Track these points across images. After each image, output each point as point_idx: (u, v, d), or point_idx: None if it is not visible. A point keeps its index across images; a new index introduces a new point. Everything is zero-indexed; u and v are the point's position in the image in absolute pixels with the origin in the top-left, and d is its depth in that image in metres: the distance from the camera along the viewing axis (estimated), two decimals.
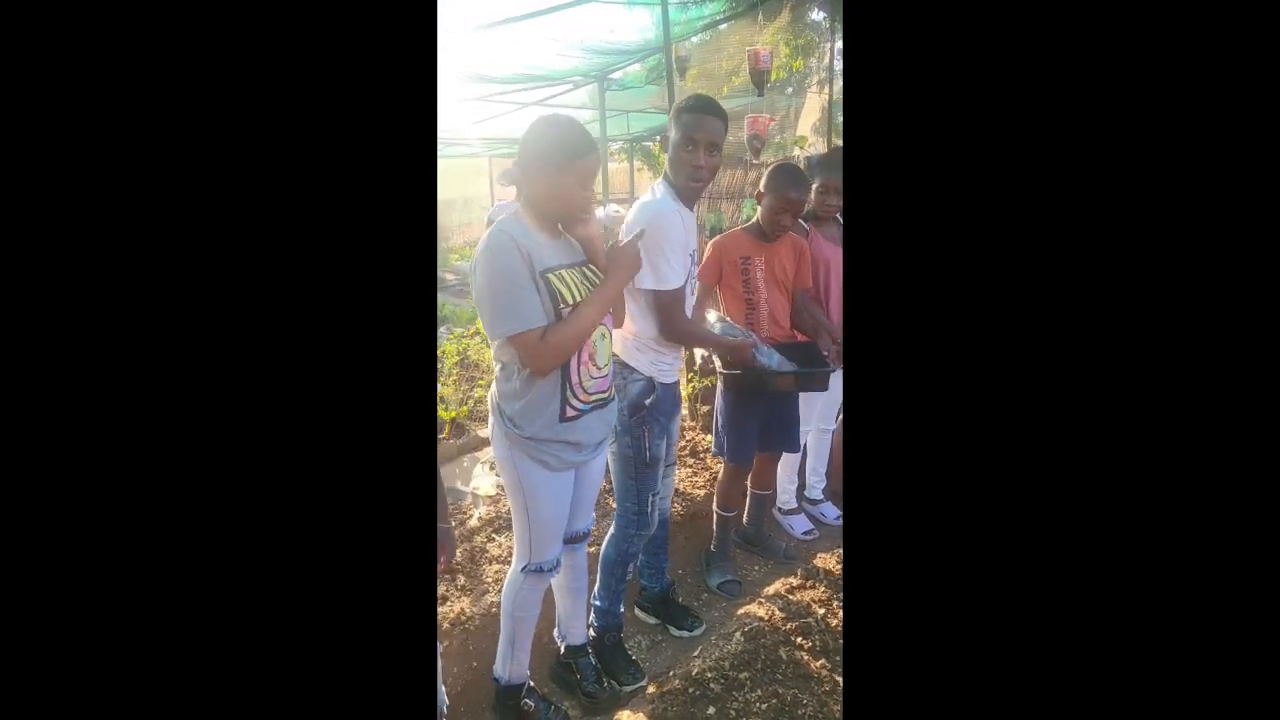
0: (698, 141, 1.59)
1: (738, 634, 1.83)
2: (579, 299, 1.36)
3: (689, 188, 1.63)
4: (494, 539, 2.27)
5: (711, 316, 1.98)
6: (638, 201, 1.72)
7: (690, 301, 1.76)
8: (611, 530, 1.84)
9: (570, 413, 1.42)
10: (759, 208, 2.08)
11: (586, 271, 1.43)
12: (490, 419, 1.49)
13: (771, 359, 1.91)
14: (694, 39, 4.80)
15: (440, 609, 1.91)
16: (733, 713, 1.56)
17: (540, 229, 1.37)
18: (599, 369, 1.46)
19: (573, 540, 1.64)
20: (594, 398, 1.46)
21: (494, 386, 1.47)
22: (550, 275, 1.33)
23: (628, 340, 1.70)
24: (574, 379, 1.40)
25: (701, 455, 2.91)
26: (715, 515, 2.27)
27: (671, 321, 1.67)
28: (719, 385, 2.16)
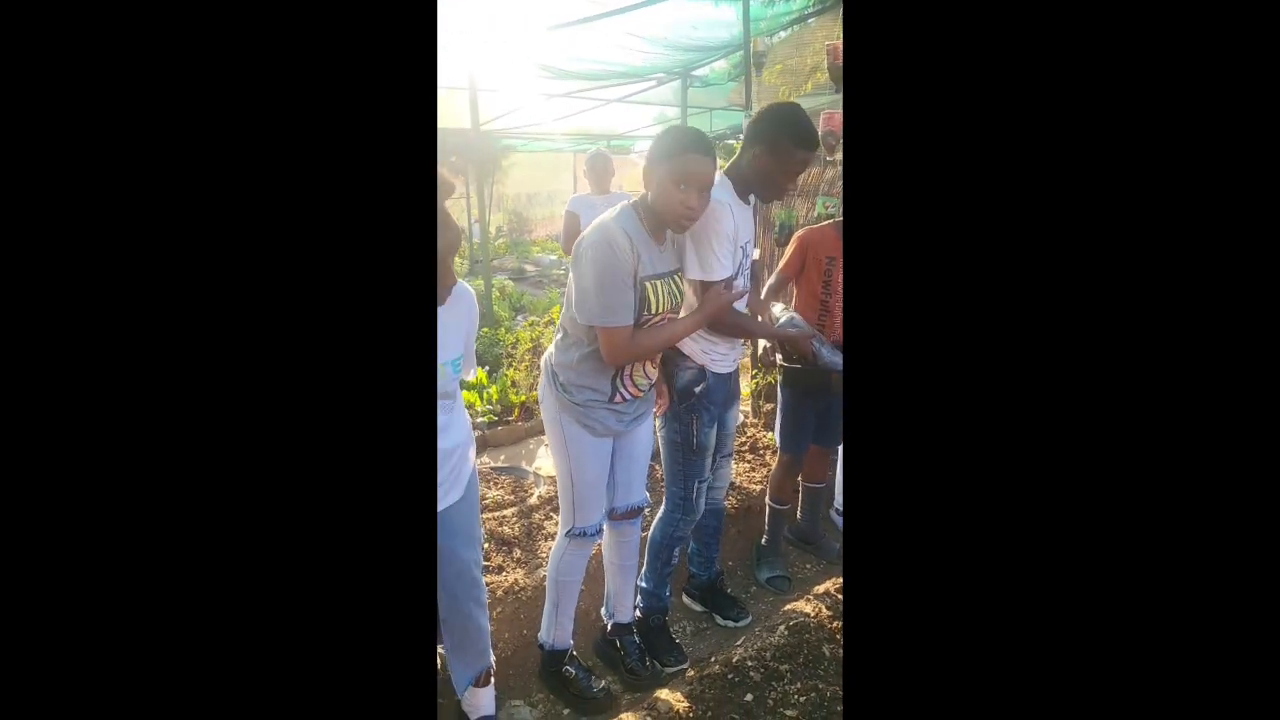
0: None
1: (782, 627, 1.84)
2: (663, 309, 1.50)
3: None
4: (551, 517, 2.36)
5: (777, 309, 1.96)
6: None
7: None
8: (660, 514, 1.89)
9: (618, 399, 1.55)
10: (827, 201, 2.06)
11: (673, 282, 1.53)
12: (541, 379, 1.58)
13: (835, 357, 1.90)
14: (778, 35, 4.75)
15: (495, 578, 2.01)
16: (770, 702, 1.58)
17: (651, 232, 1.47)
18: (654, 368, 1.61)
19: (627, 515, 1.70)
20: (644, 393, 1.61)
21: (552, 349, 1.56)
22: (646, 283, 1.44)
23: None
24: (626, 371, 1.53)
25: (760, 451, 2.91)
26: (767, 508, 2.28)
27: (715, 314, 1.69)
28: (779, 377, 2.16)
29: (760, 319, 1.91)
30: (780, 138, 1.60)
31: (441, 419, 1.32)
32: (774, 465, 2.28)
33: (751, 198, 1.73)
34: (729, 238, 1.62)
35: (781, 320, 1.91)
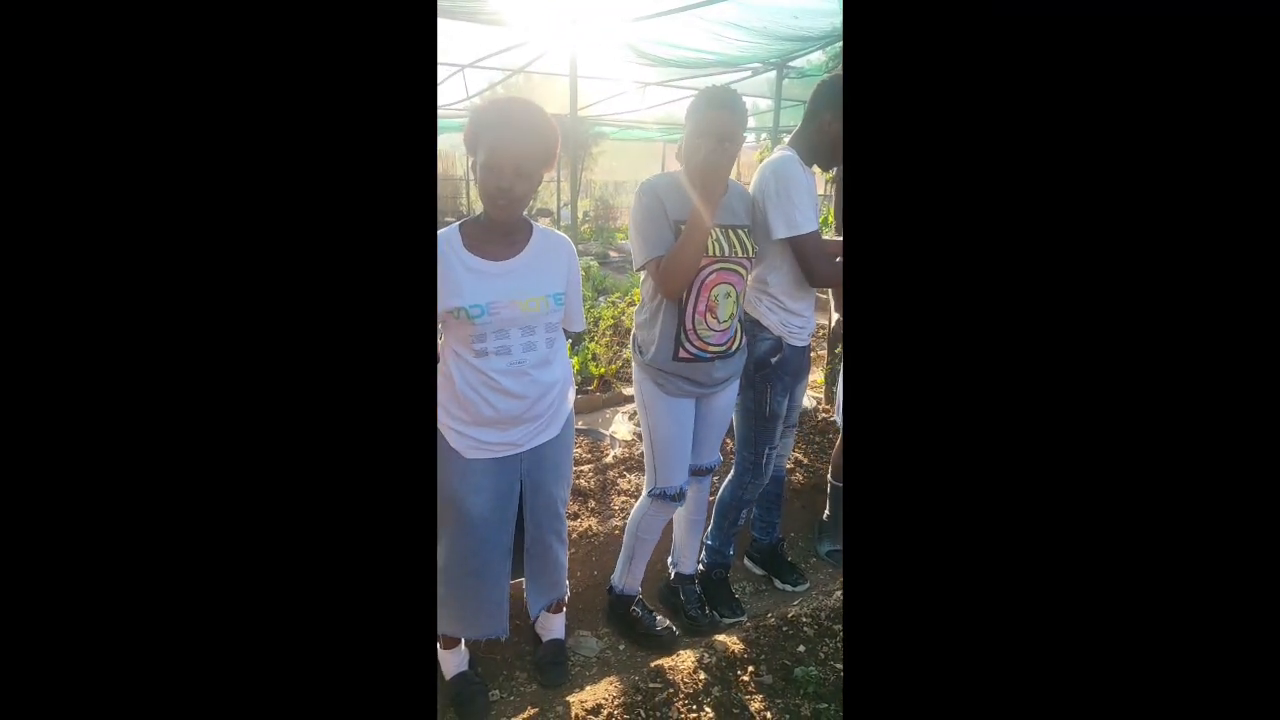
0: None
1: (837, 593, 1.92)
2: (712, 253, 1.54)
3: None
4: (625, 475, 2.51)
5: None
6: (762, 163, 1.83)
7: None
8: (730, 476, 1.99)
9: (684, 354, 1.60)
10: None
11: (734, 233, 1.59)
12: (631, 346, 1.72)
13: None
14: None
15: (572, 524, 2.18)
16: (821, 655, 1.66)
17: (687, 185, 1.55)
18: (720, 323, 1.60)
19: (698, 473, 1.82)
20: (712, 348, 1.62)
21: (635, 316, 1.70)
22: (681, 225, 1.52)
23: (762, 300, 1.82)
24: (688, 324, 1.58)
25: (830, 434, 2.96)
26: (829, 485, 2.35)
27: (816, 264, 1.70)
28: None
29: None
30: (843, 102, 1.69)
31: (544, 351, 1.44)
32: (836, 445, 2.34)
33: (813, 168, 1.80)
34: (808, 190, 1.69)
35: None
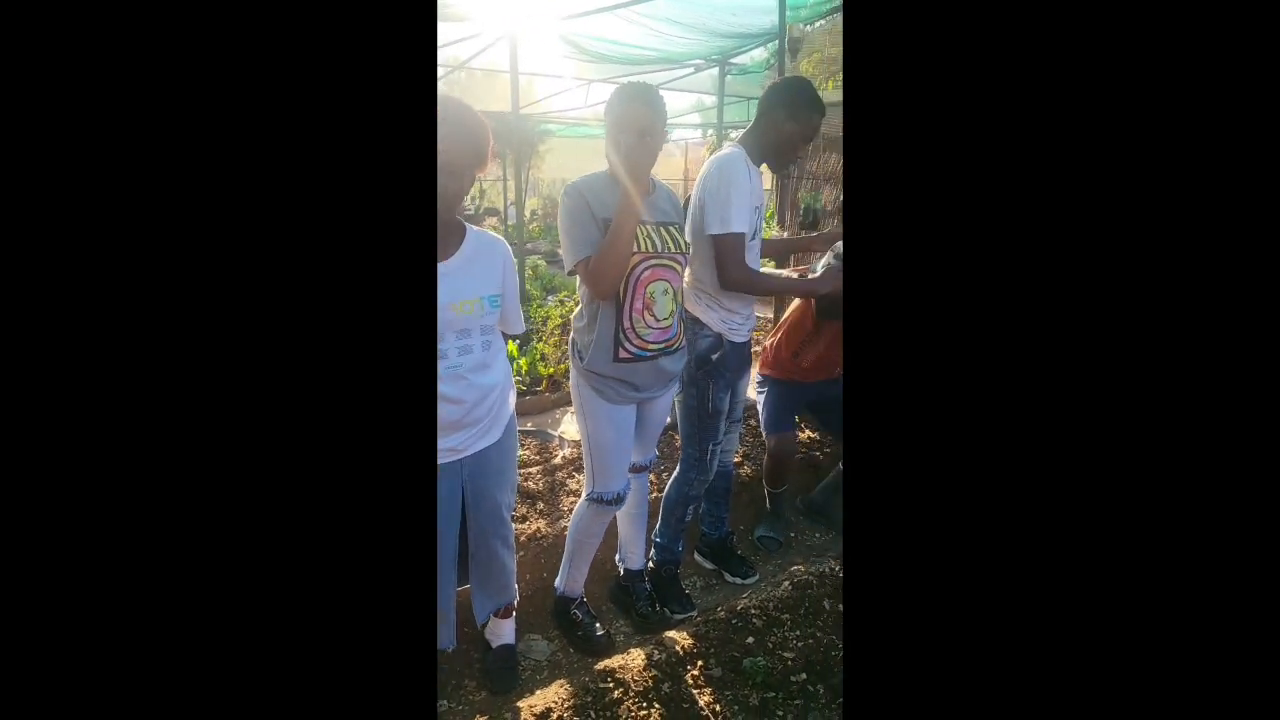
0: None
1: (786, 583, 1.95)
2: (644, 249, 1.52)
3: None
4: (573, 476, 2.50)
5: (827, 257, 1.99)
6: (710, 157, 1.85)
7: (755, 257, 1.83)
8: (675, 473, 2.00)
9: (624, 354, 1.58)
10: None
11: (664, 230, 1.58)
12: (570, 351, 1.70)
13: None
14: (817, 24, 4.77)
15: (520, 526, 2.15)
16: (770, 645, 1.69)
17: (614, 183, 1.53)
18: (657, 320, 1.59)
19: (635, 471, 1.82)
20: (653, 346, 1.60)
21: (573, 321, 1.68)
22: (609, 222, 1.48)
23: (701, 297, 1.83)
24: (626, 323, 1.56)
25: None
26: (766, 491, 2.42)
27: (731, 268, 1.71)
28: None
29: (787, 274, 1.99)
30: (801, 104, 1.74)
31: (481, 355, 1.42)
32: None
33: (760, 168, 1.82)
34: (745, 194, 1.70)
35: (833, 263, 1.94)
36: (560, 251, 1.61)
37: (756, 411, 3.07)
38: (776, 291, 2.36)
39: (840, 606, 1.84)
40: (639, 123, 1.47)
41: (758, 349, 2.56)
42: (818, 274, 1.94)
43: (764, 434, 2.34)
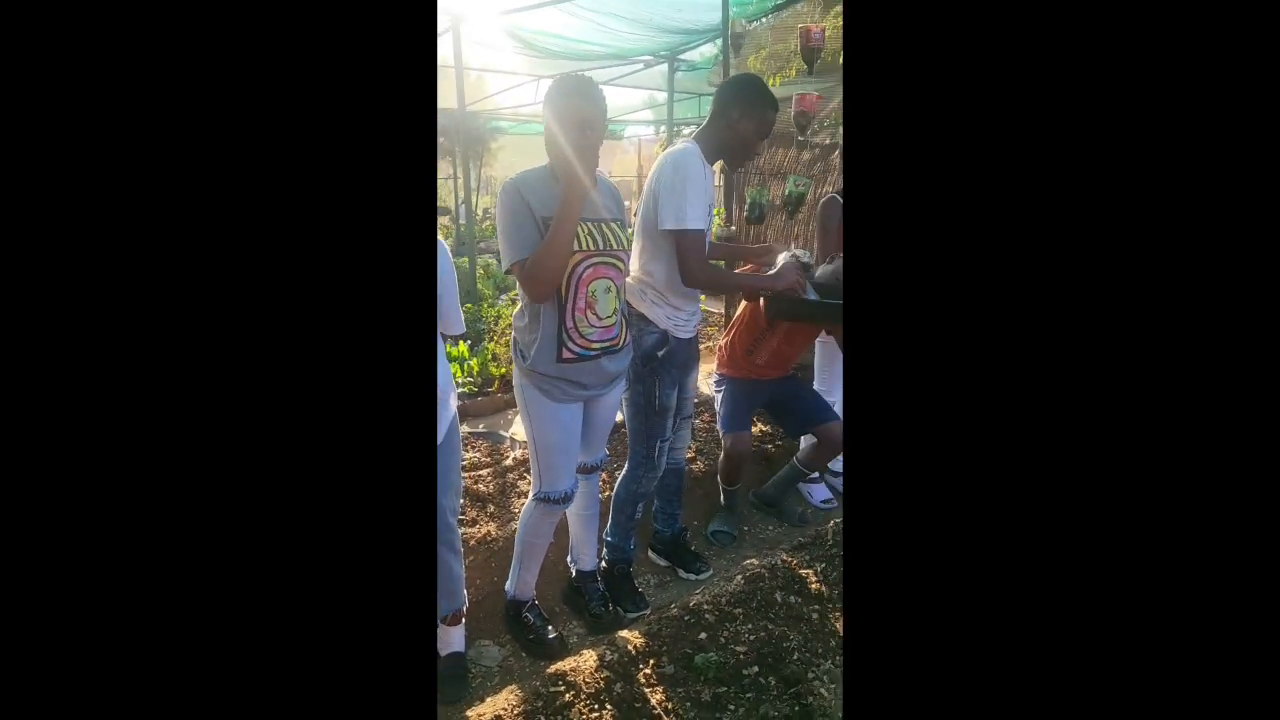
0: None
1: (738, 577, 1.95)
2: (585, 247, 1.49)
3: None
4: (524, 477, 2.46)
5: (784, 255, 1.98)
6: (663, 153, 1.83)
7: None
8: (624, 472, 1.99)
9: (567, 354, 1.54)
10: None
11: (605, 226, 1.55)
12: (512, 350, 1.66)
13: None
14: (761, 21, 4.81)
15: (470, 530, 2.11)
16: (722, 640, 1.69)
17: (555, 181, 1.48)
18: (600, 319, 1.55)
19: (584, 471, 1.80)
20: (596, 345, 1.56)
21: (514, 320, 1.65)
22: (549, 221, 1.44)
23: (645, 293, 1.82)
24: (568, 323, 1.52)
25: None
26: (721, 489, 2.42)
27: (692, 264, 1.70)
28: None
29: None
30: (755, 101, 1.74)
31: None
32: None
33: (716, 167, 1.82)
34: (702, 190, 1.69)
35: (788, 260, 1.93)
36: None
37: (709, 407, 3.09)
38: (739, 289, 2.35)
39: (791, 598, 1.86)
40: (578, 114, 1.42)
41: (707, 344, 2.57)
42: (776, 269, 1.93)
43: (720, 433, 2.34)
